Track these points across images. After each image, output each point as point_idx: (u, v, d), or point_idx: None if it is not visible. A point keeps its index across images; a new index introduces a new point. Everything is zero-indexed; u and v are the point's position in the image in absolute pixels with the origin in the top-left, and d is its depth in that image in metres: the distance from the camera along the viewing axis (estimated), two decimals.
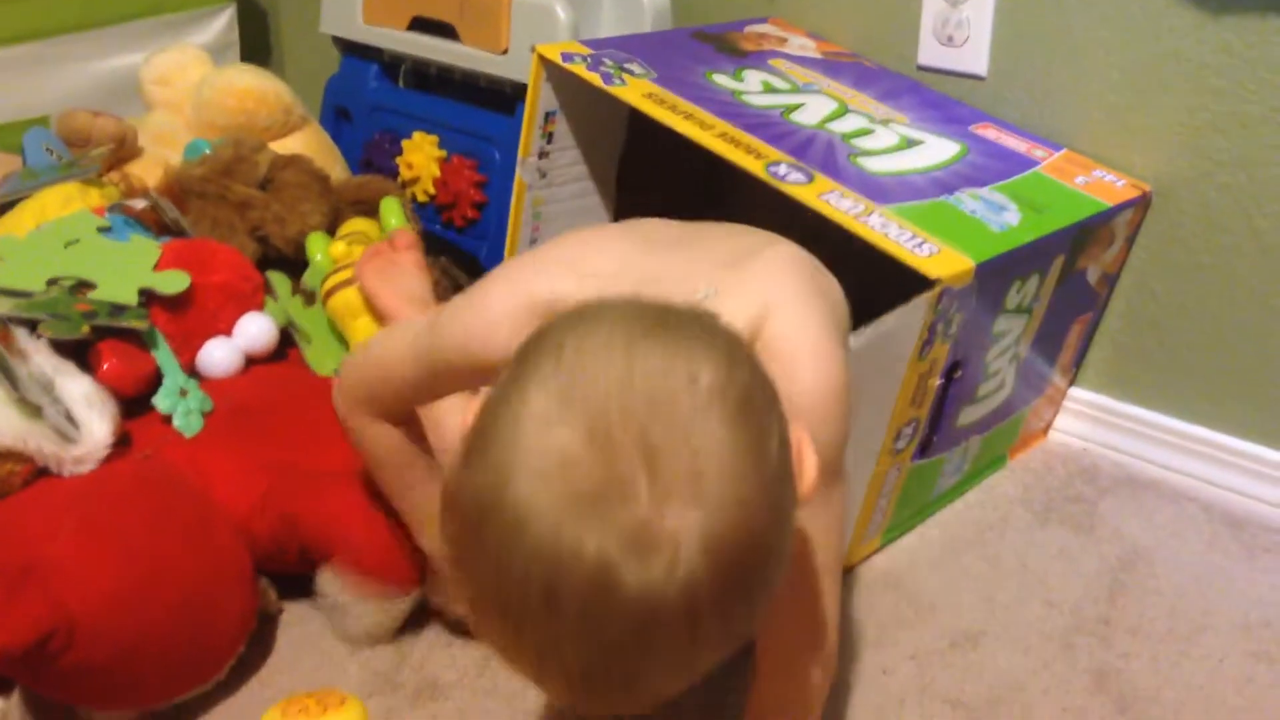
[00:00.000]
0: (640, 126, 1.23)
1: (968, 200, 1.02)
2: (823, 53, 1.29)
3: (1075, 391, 1.24)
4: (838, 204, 0.95)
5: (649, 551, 0.47)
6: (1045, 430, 1.25)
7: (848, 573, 1.04)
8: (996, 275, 0.96)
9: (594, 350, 0.51)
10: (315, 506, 0.93)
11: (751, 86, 1.15)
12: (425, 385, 0.81)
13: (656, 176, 1.31)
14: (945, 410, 1.03)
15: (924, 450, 1.04)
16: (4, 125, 1.52)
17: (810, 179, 0.98)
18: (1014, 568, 1.05)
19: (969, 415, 1.08)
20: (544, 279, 0.71)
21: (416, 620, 0.97)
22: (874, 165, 1.04)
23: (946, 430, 1.05)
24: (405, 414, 0.86)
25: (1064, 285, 1.08)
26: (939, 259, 0.91)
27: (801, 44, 1.30)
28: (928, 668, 0.93)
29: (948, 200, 1.01)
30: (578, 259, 0.73)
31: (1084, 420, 1.24)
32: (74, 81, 1.62)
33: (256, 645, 0.95)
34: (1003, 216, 1.01)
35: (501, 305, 0.71)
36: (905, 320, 0.90)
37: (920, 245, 0.92)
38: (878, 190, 0.99)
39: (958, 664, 0.94)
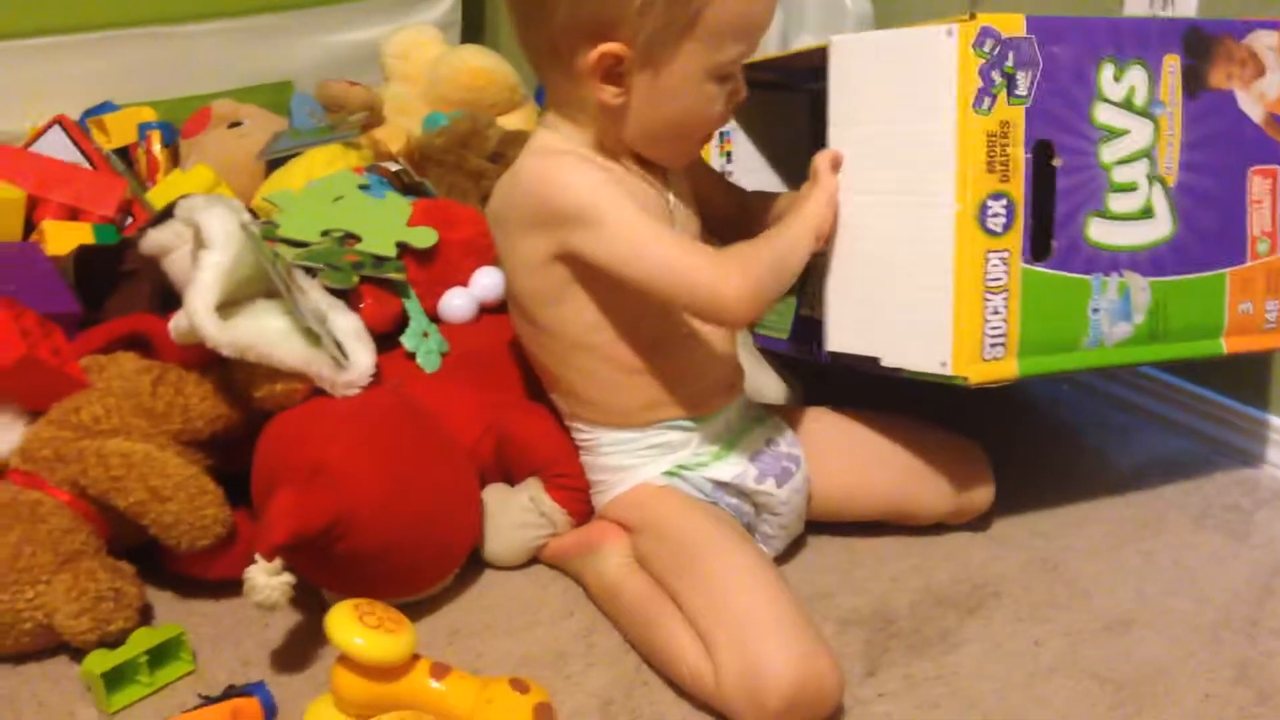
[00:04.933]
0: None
1: None
2: None
3: None
4: None
5: None
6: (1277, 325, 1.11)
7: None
8: (1066, 39, 0.94)
9: None
10: (525, 423, 1.08)
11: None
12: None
13: None
14: (1059, 206, 0.97)
15: (1041, 252, 0.97)
16: (254, 87, 1.70)
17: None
18: (1167, 565, 1.11)
19: (1108, 232, 0.99)
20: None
21: None
22: None
23: (1073, 238, 0.98)
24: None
25: (1200, 102, 1.02)
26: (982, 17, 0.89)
27: None
28: (1079, 645, 1.00)
29: None
30: None
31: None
32: (311, 51, 1.79)
33: (474, 560, 1.07)
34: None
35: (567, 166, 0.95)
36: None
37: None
38: None
39: (1107, 645, 1.00)
